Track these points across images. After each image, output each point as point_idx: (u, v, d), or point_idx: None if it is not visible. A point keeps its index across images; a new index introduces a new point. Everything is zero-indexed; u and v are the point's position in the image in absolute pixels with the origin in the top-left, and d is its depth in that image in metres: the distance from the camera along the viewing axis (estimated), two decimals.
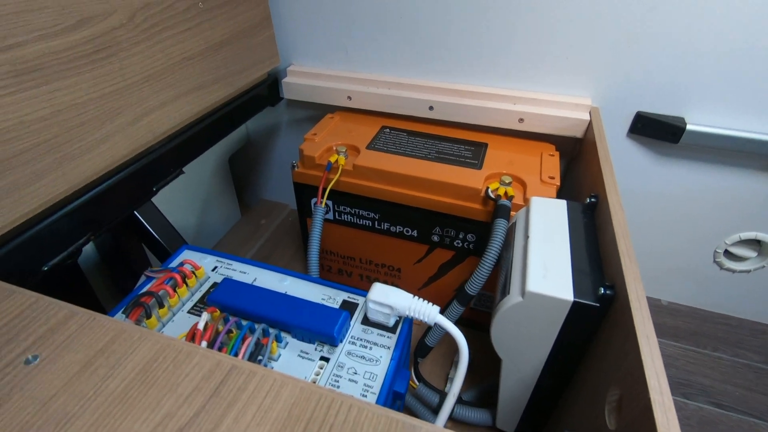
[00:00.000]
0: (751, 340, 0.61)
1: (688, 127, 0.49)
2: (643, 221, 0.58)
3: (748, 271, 0.59)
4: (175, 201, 0.60)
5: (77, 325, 0.24)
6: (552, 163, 0.50)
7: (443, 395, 0.44)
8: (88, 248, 0.48)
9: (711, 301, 0.64)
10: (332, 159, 0.50)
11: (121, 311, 0.33)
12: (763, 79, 0.45)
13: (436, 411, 0.45)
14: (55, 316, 0.24)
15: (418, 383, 0.45)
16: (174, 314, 0.35)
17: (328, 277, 0.62)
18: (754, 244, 0.57)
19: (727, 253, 0.59)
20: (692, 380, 0.56)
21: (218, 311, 0.33)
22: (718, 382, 0.56)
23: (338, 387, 0.30)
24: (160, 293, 0.34)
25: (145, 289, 0.35)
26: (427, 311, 0.32)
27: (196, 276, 0.37)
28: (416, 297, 0.33)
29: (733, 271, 0.59)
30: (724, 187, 0.53)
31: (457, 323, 0.40)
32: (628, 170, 0.55)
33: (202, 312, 0.34)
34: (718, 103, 0.48)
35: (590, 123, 0.50)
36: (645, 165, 0.55)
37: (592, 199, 0.39)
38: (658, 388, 0.22)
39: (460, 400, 0.47)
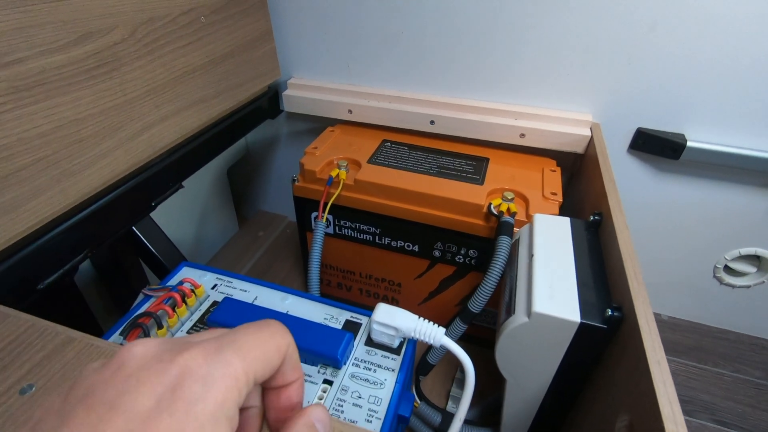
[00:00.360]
0: (752, 355, 0.61)
1: (689, 143, 0.49)
2: (643, 236, 0.59)
3: (748, 287, 0.59)
4: (173, 213, 0.59)
5: (75, 351, 0.23)
6: (554, 178, 0.50)
7: (446, 414, 0.44)
8: (85, 264, 0.47)
9: (711, 316, 0.64)
10: (333, 173, 0.49)
11: (118, 332, 0.33)
12: (761, 97, 0.46)
13: (437, 431, 0.44)
14: (51, 342, 0.23)
15: (419, 402, 0.44)
16: (173, 335, 0.34)
17: (327, 290, 0.61)
18: (754, 259, 0.57)
19: (727, 269, 0.59)
20: (694, 397, 0.56)
21: None
22: (720, 398, 0.56)
23: (342, 412, 0.29)
24: (158, 313, 0.33)
25: (143, 309, 0.34)
26: (433, 333, 0.32)
27: (195, 295, 0.36)
28: (421, 318, 0.33)
29: (733, 287, 0.60)
30: (723, 202, 0.53)
31: (460, 338, 0.39)
32: (628, 186, 0.55)
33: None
34: (718, 121, 0.48)
35: (591, 139, 0.50)
36: (645, 181, 0.55)
37: (596, 217, 0.39)
38: (672, 417, 0.22)
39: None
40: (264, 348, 0.15)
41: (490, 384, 0.50)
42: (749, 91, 0.46)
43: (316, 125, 0.67)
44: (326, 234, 0.53)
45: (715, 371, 0.59)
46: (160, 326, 0.33)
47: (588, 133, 0.51)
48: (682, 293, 0.63)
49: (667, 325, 0.65)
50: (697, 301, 0.63)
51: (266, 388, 0.17)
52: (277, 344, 0.15)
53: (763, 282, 0.58)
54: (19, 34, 0.29)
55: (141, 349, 0.14)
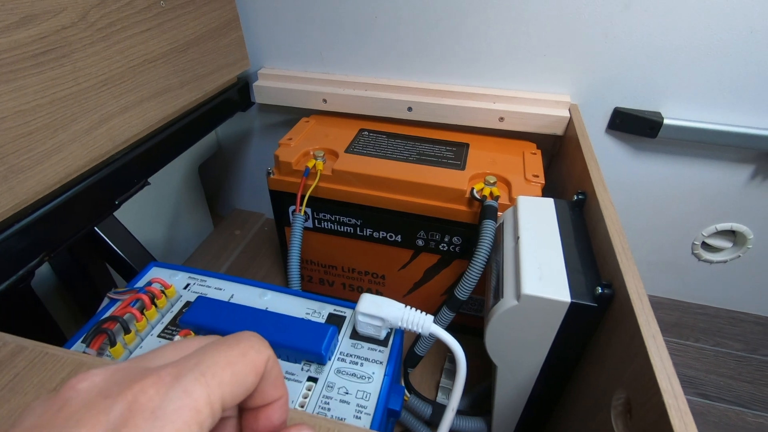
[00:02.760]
0: (731, 329, 0.62)
1: (665, 121, 0.49)
2: (622, 216, 0.58)
3: (725, 261, 0.60)
4: (142, 215, 0.56)
5: (26, 361, 0.21)
6: (535, 161, 0.49)
7: (436, 406, 0.43)
8: (45, 270, 0.43)
9: (690, 293, 0.65)
10: (310, 164, 0.47)
11: (80, 340, 0.30)
12: (736, 73, 0.46)
13: (428, 423, 0.43)
14: None
15: (409, 395, 0.43)
16: (142, 340, 0.32)
17: (309, 287, 0.59)
18: (730, 234, 0.58)
19: (705, 245, 0.60)
20: (678, 372, 0.56)
21: (193, 333, 0.30)
22: (703, 372, 0.57)
23: (329, 409, 0.27)
24: (125, 317, 0.31)
25: (108, 314, 0.31)
26: (421, 321, 0.30)
27: (166, 296, 0.34)
28: (408, 307, 0.31)
29: (711, 262, 0.61)
30: (700, 179, 0.54)
31: (447, 329, 0.38)
32: (607, 166, 0.55)
33: (174, 335, 0.31)
34: (694, 97, 0.48)
35: (570, 120, 0.50)
36: (624, 160, 0.55)
37: (580, 196, 0.39)
38: (671, 391, 0.21)
39: None
40: (234, 369, 0.13)
41: (480, 373, 0.49)
42: (724, 67, 0.46)
43: (290, 117, 0.65)
44: (306, 228, 0.51)
45: (696, 346, 0.60)
46: (127, 331, 0.30)
47: (567, 114, 0.51)
48: (662, 272, 0.64)
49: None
50: (677, 278, 0.64)
51: (243, 408, 0.15)
52: (251, 362, 0.14)
53: (739, 256, 0.59)
54: None
55: (86, 385, 0.12)
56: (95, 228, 0.40)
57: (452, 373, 0.45)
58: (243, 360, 0.13)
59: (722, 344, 0.60)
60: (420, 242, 0.48)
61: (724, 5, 0.43)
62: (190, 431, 0.11)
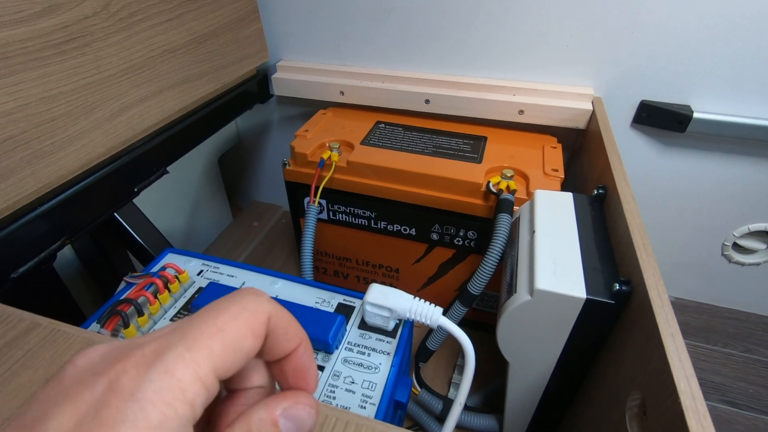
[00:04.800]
0: (762, 334, 0.59)
1: (695, 115, 0.47)
2: (648, 214, 0.56)
3: (758, 264, 0.57)
4: (163, 204, 0.57)
5: (39, 338, 0.21)
6: (555, 155, 0.48)
7: (447, 402, 0.42)
8: (68, 253, 0.45)
9: (720, 296, 0.62)
10: (325, 155, 0.47)
11: (96, 321, 0.31)
12: None
13: (439, 418, 0.43)
14: (14, 329, 0.22)
15: (420, 389, 0.42)
16: (155, 323, 0.32)
17: (323, 279, 0.59)
18: (764, 235, 0.55)
19: (736, 246, 0.57)
20: (704, 378, 0.54)
21: None
22: (731, 379, 0.54)
23: (334, 398, 0.27)
24: (139, 300, 0.31)
25: (123, 297, 0.32)
26: (430, 313, 0.30)
27: (179, 281, 0.34)
28: (417, 298, 0.31)
29: (742, 264, 0.58)
30: (732, 177, 0.51)
31: (459, 324, 0.37)
32: (632, 161, 0.53)
33: None
34: (726, 90, 0.46)
35: (593, 113, 0.48)
36: (650, 156, 0.53)
37: (600, 191, 0.37)
38: (689, 393, 0.20)
39: (464, 406, 0.45)
40: (225, 335, 0.12)
41: (494, 370, 0.48)
42: (758, 58, 0.43)
43: (308, 109, 0.65)
44: (320, 220, 0.52)
45: (725, 352, 0.57)
46: (140, 314, 0.31)
47: (589, 107, 0.49)
48: (689, 273, 0.61)
49: (674, 307, 0.62)
50: (706, 281, 0.61)
51: (267, 362, 0.15)
52: (245, 324, 0.13)
53: None
54: None
55: (83, 361, 0.12)
56: (115, 214, 0.41)
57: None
58: (235, 324, 0.13)
59: (752, 350, 0.57)
60: (434, 236, 0.48)
61: None
62: (177, 412, 0.11)
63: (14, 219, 0.31)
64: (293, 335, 0.14)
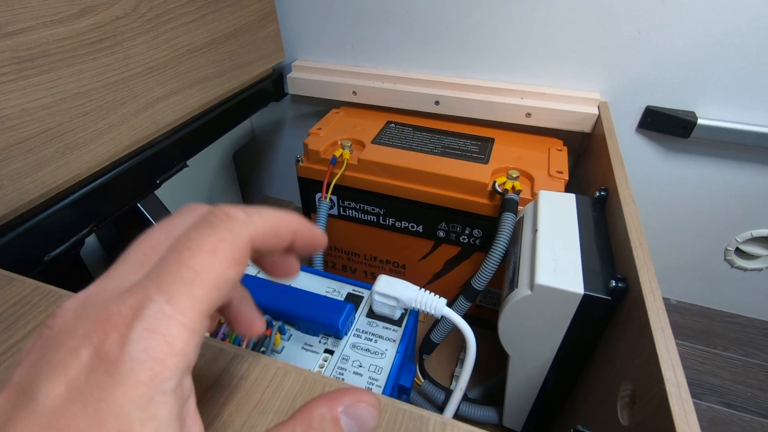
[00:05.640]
0: (762, 339, 0.60)
1: (700, 121, 0.48)
2: (652, 218, 0.58)
3: (760, 270, 0.58)
4: (179, 196, 0.59)
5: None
6: (560, 157, 0.49)
7: (449, 393, 0.44)
8: (92, 240, 0.47)
9: (721, 300, 0.63)
10: (337, 153, 0.49)
11: None
12: None
13: (441, 409, 0.44)
14: (54, 304, 0.24)
15: (423, 380, 0.44)
16: None
17: (331, 272, 0.61)
18: (766, 241, 0.56)
19: (739, 251, 0.58)
20: (703, 380, 0.55)
21: None
22: (729, 381, 0.55)
23: (343, 379, 0.29)
24: None
25: None
26: (434, 303, 0.32)
27: None
28: (422, 289, 0.33)
29: (745, 269, 0.58)
30: (735, 183, 0.52)
31: (464, 319, 0.39)
32: (637, 166, 0.54)
33: None
34: (732, 96, 0.47)
35: (599, 118, 0.50)
36: (654, 160, 0.54)
37: (602, 193, 0.39)
38: (674, 380, 0.21)
39: (465, 398, 0.46)
40: (207, 276, 0.11)
41: (495, 365, 0.50)
42: (765, 65, 0.44)
43: (321, 108, 0.67)
44: (331, 216, 0.53)
45: (725, 355, 0.58)
46: None
47: (595, 111, 0.50)
48: (691, 277, 0.62)
49: (676, 310, 0.64)
50: (708, 285, 0.62)
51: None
52: (226, 257, 0.11)
53: None
54: (20, 3, 0.29)
55: (59, 321, 0.11)
56: (138, 204, 0.43)
57: None
58: (214, 262, 0.11)
59: (752, 355, 0.58)
60: (441, 233, 0.49)
61: (764, 0, 0.41)
62: (167, 365, 0.10)
63: (48, 206, 0.34)
64: (284, 233, 0.14)
